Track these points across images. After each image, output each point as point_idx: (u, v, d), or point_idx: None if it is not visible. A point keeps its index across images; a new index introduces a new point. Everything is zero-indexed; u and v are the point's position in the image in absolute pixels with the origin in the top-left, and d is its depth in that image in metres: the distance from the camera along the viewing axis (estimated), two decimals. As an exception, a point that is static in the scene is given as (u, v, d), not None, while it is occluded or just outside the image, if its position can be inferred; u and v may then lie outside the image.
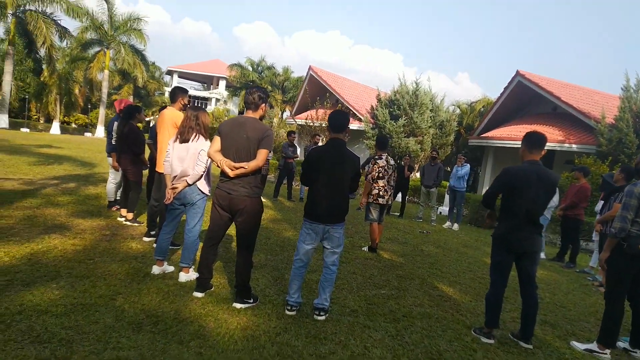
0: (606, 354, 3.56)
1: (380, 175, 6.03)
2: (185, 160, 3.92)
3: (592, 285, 6.22)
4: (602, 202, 6.28)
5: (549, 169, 3.65)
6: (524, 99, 18.29)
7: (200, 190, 3.99)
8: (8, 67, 26.57)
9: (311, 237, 3.57)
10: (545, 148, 3.65)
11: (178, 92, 5.06)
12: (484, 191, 17.84)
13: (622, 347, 3.81)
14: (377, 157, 6.13)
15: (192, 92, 50.79)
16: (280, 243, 5.93)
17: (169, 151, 4.03)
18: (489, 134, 17.88)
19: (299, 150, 12.48)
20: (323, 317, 3.53)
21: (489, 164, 18.48)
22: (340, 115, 3.71)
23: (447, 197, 11.27)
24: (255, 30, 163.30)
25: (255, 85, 3.64)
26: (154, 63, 46.26)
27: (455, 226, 9.84)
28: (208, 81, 52.93)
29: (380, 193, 6.04)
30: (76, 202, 6.78)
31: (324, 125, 18.02)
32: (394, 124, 18.17)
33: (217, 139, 3.52)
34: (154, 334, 2.90)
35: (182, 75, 51.47)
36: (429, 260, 6.23)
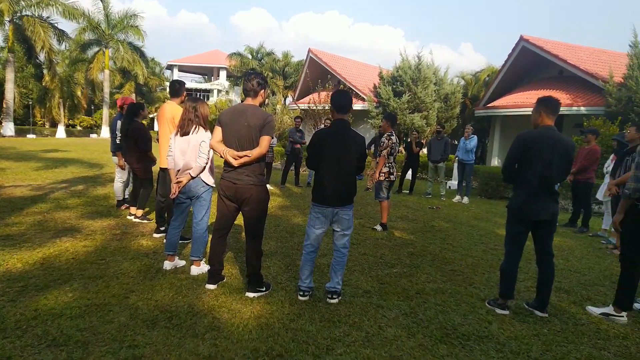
0: (622, 316, 3.52)
1: (392, 151, 6.19)
2: (187, 152, 3.91)
3: (606, 248, 6.16)
4: (614, 163, 6.15)
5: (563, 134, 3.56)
6: (529, 65, 17.94)
7: (204, 182, 3.98)
8: (9, 75, 26.68)
9: (320, 221, 3.55)
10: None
11: (178, 85, 5.02)
12: (493, 162, 17.74)
13: (639, 308, 3.76)
14: (389, 133, 6.24)
15: (193, 84, 50.69)
16: (289, 229, 5.93)
17: (172, 145, 4.02)
18: (495, 103, 17.62)
19: (306, 135, 12.42)
20: (336, 300, 3.53)
21: (496, 134, 18.26)
22: (343, 95, 3.64)
23: (455, 170, 11.16)
24: (252, 17, 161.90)
25: (254, 71, 3.59)
26: (153, 59, 46.18)
27: (465, 199, 9.76)
28: (208, 73, 52.71)
29: (391, 170, 6.23)
30: (85, 204, 6.84)
31: (327, 108, 17.88)
32: (398, 100, 17.99)
33: (218, 129, 3.49)
34: (168, 329, 2.92)
35: (183, 69, 51.32)
36: (440, 235, 6.20)
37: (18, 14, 26.01)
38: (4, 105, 27.26)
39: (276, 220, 6.40)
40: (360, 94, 20.68)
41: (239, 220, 3.78)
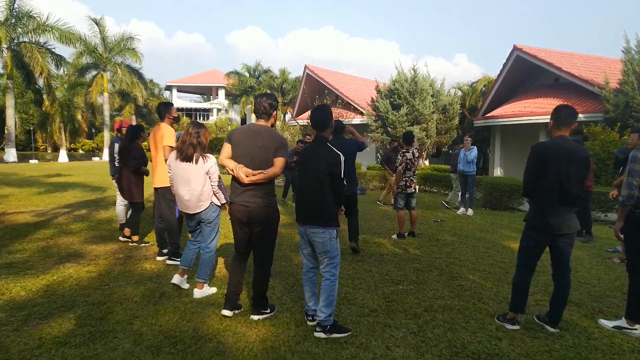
0: (636, 329, 3.46)
1: (408, 167, 6.61)
2: (192, 182, 3.88)
3: (609, 258, 5.97)
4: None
5: (581, 144, 3.51)
6: (525, 73, 18.02)
7: (215, 205, 4.00)
8: (10, 101, 26.90)
9: (303, 240, 3.47)
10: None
11: (162, 108, 5.06)
12: (496, 173, 17.73)
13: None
14: (404, 150, 6.70)
15: (192, 104, 51.05)
16: (294, 248, 5.90)
17: (171, 170, 4.00)
18: (494, 112, 17.66)
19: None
20: (322, 335, 3.20)
21: (497, 144, 18.26)
22: (319, 112, 3.55)
23: (456, 182, 11.13)
24: (248, 36, 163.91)
25: (265, 93, 3.60)
26: (152, 80, 46.60)
27: (470, 211, 9.72)
28: (207, 92, 53.11)
29: (408, 183, 6.68)
30: (89, 228, 6.83)
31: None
32: (396, 113, 18.04)
33: (228, 146, 3.46)
34: (173, 355, 2.88)
35: (181, 89, 51.71)
36: (446, 249, 6.15)
37: (15, 41, 26.35)
38: (6, 132, 27.42)
39: (280, 239, 6.31)
40: (359, 107, 20.78)
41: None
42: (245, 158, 3.39)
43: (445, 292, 4.30)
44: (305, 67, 23.84)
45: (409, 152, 6.66)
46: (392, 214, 7.83)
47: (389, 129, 18.18)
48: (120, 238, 6.03)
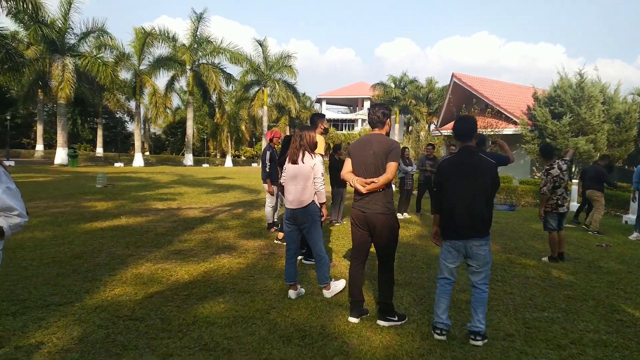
0: None
1: (557, 184, 5.96)
2: (298, 178, 4.08)
3: None
4: None
5: None
6: None
7: (317, 204, 4.13)
8: (190, 114, 32.05)
9: (453, 255, 3.37)
10: None
11: (316, 118, 5.43)
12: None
13: None
14: (547, 167, 6.07)
15: (339, 115, 53.46)
16: (426, 260, 5.74)
17: (284, 171, 4.29)
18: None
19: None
20: (480, 343, 3.23)
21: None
22: (462, 122, 3.48)
23: (632, 203, 9.46)
24: (396, 47, 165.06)
25: (378, 103, 3.69)
26: (304, 94, 50.24)
27: (646, 237, 8.15)
28: (353, 103, 55.11)
29: (560, 202, 6.01)
30: (243, 225, 7.69)
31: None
32: (557, 123, 16.21)
33: (348, 160, 3.64)
34: (301, 348, 3.08)
35: (330, 101, 54.68)
36: (608, 278, 5.29)
37: (196, 63, 31.20)
38: (186, 140, 32.72)
39: (413, 250, 6.26)
40: (512, 116, 19.19)
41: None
42: (360, 167, 3.52)
43: (601, 326, 3.70)
44: (453, 75, 23.00)
45: (553, 168, 5.99)
46: (543, 234, 7.02)
47: (547, 139, 16.39)
48: (275, 241, 6.58)
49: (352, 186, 3.58)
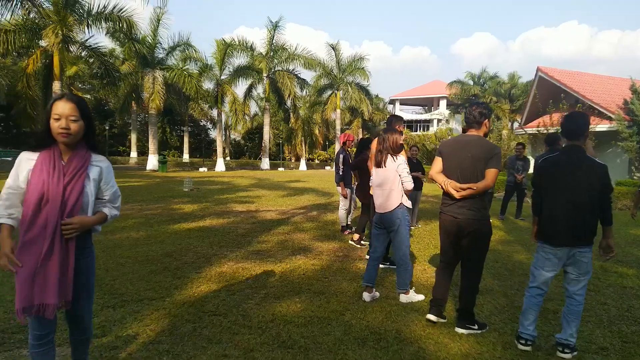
0: None
1: None
2: (385, 183, 4.06)
3: None
4: None
5: None
6: None
7: (405, 207, 4.07)
8: (266, 120, 33.26)
9: (552, 262, 3.12)
10: None
11: (393, 119, 5.36)
12: None
13: None
14: None
15: (413, 116, 52.34)
16: (509, 267, 5.44)
17: (372, 177, 4.30)
18: None
19: (531, 163, 11.20)
20: (569, 356, 3.02)
21: None
22: (572, 119, 3.17)
23: None
24: (474, 43, 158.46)
25: (476, 101, 3.52)
26: (377, 95, 49.85)
27: None
28: (428, 103, 53.66)
29: None
30: (317, 228, 7.83)
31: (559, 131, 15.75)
32: (661, 117, 14.50)
33: (439, 160, 3.50)
34: (376, 350, 3.07)
35: (404, 102, 53.74)
36: None
37: (272, 70, 32.29)
38: (263, 145, 34.01)
39: (495, 255, 5.96)
40: (606, 112, 17.49)
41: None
42: (455, 170, 3.36)
43: None
44: (538, 69, 21.49)
45: None
46: (646, 241, 6.33)
47: (648, 136, 14.76)
48: (350, 242, 6.63)
49: (442, 188, 3.45)
